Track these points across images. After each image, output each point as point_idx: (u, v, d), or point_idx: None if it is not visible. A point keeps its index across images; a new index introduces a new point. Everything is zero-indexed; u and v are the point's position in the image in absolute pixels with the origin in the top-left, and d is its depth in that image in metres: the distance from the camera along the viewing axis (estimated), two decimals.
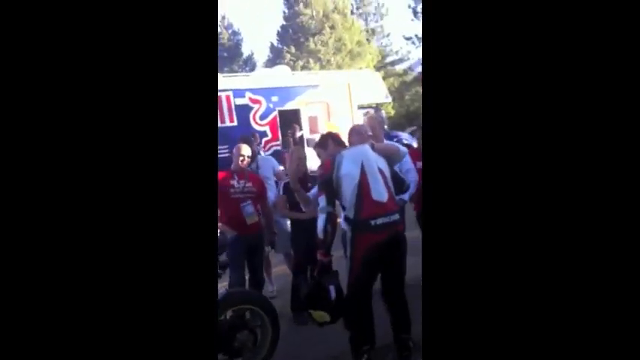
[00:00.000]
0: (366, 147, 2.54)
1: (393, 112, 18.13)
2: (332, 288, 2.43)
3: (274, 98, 9.54)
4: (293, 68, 17.40)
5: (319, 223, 2.42)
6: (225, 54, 24.37)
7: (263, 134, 8.73)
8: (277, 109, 9.56)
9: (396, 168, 2.70)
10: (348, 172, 2.36)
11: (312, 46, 20.89)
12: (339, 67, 19.77)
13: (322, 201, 2.43)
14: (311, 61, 20.40)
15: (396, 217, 2.37)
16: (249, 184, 3.31)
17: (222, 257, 2.77)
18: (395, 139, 9.89)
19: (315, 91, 10.06)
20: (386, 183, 2.40)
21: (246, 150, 3.36)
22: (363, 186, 2.34)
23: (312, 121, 10.07)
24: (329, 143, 2.68)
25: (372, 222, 2.31)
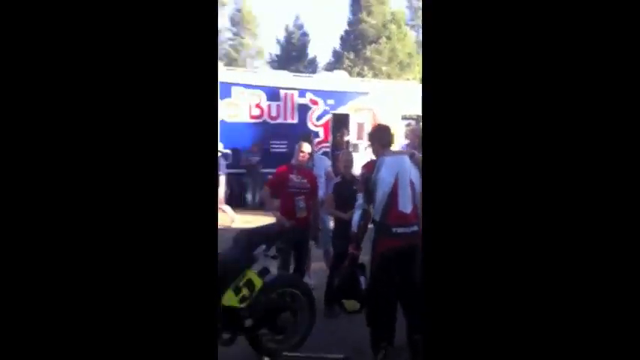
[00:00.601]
0: (405, 158, 2.56)
1: None
2: (362, 279, 2.52)
3: (330, 101, 9.50)
4: (350, 74, 17.34)
5: (354, 218, 2.50)
6: (294, 53, 24.37)
7: (316, 134, 8.82)
8: (331, 112, 9.58)
9: None
10: (383, 178, 2.43)
11: (368, 53, 20.61)
12: (388, 76, 19.45)
13: (360, 198, 2.52)
14: (365, 68, 20.18)
15: (415, 228, 2.41)
16: (304, 180, 3.34)
17: (278, 244, 2.93)
18: None
19: (365, 98, 9.92)
20: (413, 196, 2.44)
21: (307, 147, 3.44)
22: (393, 196, 2.41)
23: (360, 127, 9.99)
24: (375, 142, 2.68)
25: (394, 229, 2.40)
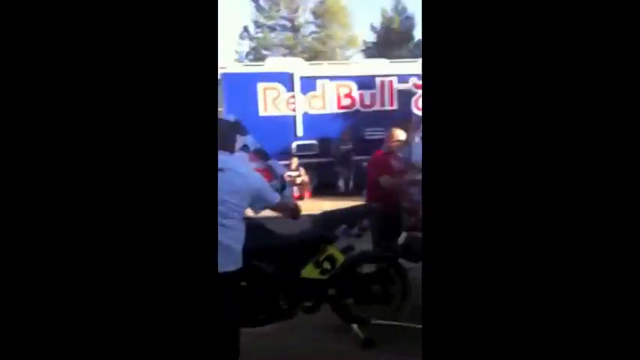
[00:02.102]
0: None
1: None
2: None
3: None
4: None
5: None
6: (395, 39, 24.44)
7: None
8: None
9: None
10: None
11: None
12: None
13: None
14: None
15: None
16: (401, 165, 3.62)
17: (365, 221, 3.18)
18: None
19: None
20: None
21: (400, 134, 3.64)
22: None
23: None
24: None
25: None
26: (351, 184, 9.04)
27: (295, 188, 8.00)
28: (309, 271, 2.84)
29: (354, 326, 2.96)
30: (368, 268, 3.07)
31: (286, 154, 8.68)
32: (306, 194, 8.38)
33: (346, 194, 8.53)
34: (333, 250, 2.91)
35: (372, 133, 9.09)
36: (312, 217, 3.10)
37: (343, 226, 2.97)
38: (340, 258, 2.91)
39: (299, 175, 8.51)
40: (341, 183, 9.03)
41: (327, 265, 2.87)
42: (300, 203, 2.64)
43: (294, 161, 8.64)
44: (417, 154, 4.09)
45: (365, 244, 3.37)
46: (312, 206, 4.59)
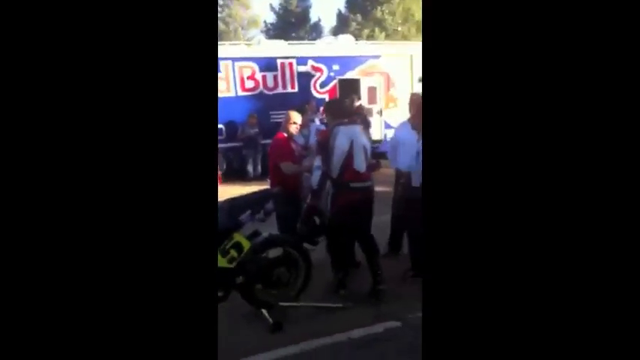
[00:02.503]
0: (357, 127, 3.28)
1: None
2: (316, 218, 3.29)
3: (335, 67, 9.68)
4: (358, 37, 17.17)
5: (313, 179, 3.24)
6: (293, 19, 24.44)
7: (321, 102, 8.98)
8: (337, 77, 9.72)
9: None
10: (340, 144, 3.10)
11: (378, 14, 20.43)
12: (404, 37, 19.26)
13: (318, 161, 3.24)
14: (377, 30, 20.02)
15: (369, 183, 3.22)
16: (299, 148, 3.75)
17: (269, 205, 3.18)
18: None
19: (377, 61, 10.06)
20: (366, 158, 3.18)
21: (297, 117, 3.70)
22: (348, 157, 3.10)
23: (371, 91, 10.13)
24: (331, 113, 3.40)
25: (351, 184, 3.13)
26: (259, 168, 8.96)
27: None
28: (217, 260, 2.77)
29: (263, 311, 2.97)
30: (273, 253, 3.09)
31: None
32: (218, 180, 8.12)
33: (255, 179, 8.44)
34: (239, 237, 2.90)
35: (277, 116, 9.05)
36: (219, 205, 3.02)
37: (248, 212, 2.95)
38: (246, 244, 2.90)
39: None
40: (250, 168, 8.89)
41: (233, 253, 2.85)
42: None
43: None
44: (314, 137, 4.25)
45: (270, 228, 3.38)
46: (222, 192, 4.47)
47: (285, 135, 3.69)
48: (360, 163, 3.12)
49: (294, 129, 3.67)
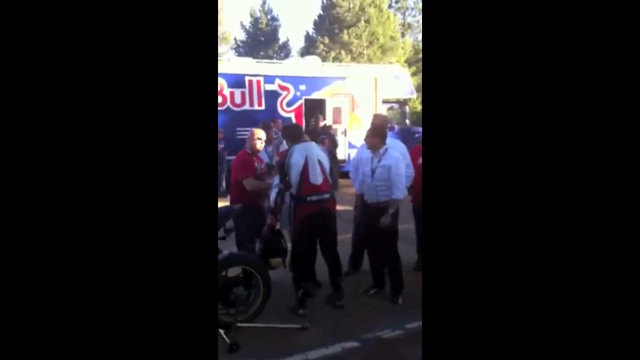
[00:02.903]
0: (312, 144, 3.47)
1: (419, 107, 18.09)
2: (282, 241, 3.34)
3: (302, 87, 9.79)
4: (325, 59, 17.50)
5: (271, 196, 3.35)
6: (262, 38, 24.58)
7: (287, 120, 9.02)
8: (304, 97, 9.83)
9: (394, 164, 3.30)
10: (295, 160, 3.24)
11: (345, 37, 20.90)
12: (369, 60, 19.75)
13: (276, 179, 3.39)
14: (343, 52, 20.44)
15: (327, 196, 3.30)
16: (262, 165, 3.72)
17: (229, 224, 3.17)
18: (416, 135, 9.93)
19: (343, 82, 10.25)
20: (323, 171, 3.29)
21: (261, 134, 3.71)
22: (304, 172, 3.21)
23: (336, 111, 10.30)
24: (286, 136, 3.58)
25: (308, 198, 3.22)
26: (223, 184, 8.81)
27: None
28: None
29: (221, 331, 2.90)
30: (232, 272, 3.06)
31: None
32: None
33: (220, 195, 8.29)
34: None
35: (243, 133, 9.00)
36: None
37: None
38: None
39: None
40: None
41: None
42: None
43: None
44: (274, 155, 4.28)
45: (231, 246, 3.34)
46: None
47: (249, 152, 3.69)
48: (316, 177, 3.24)
49: (258, 145, 3.68)
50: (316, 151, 3.37)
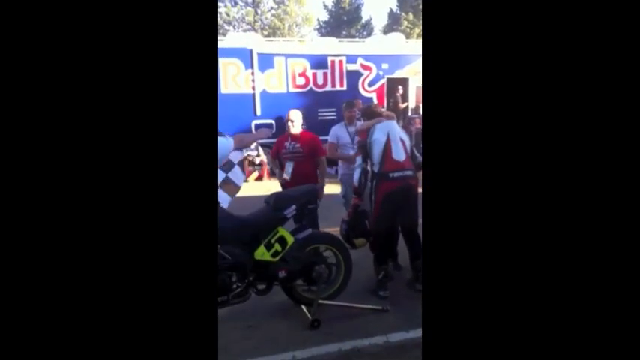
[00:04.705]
0: (393, 122, 3.39)
1: None
2: (366, 222, 3.29)
3: (385, 65, 9.55)
4: (409, 35, 16.82)
5: (355, 176, 3.28)
6: (345, 17, 24.31)
7: (369, 100, 8.87)
8: (386, 76, 9.57)
9: None
10: (377, 138, 3.21)
11: None
12: None
13: (359, 159, 3.28)
14: None
15: (410, 173, 3.21)
16: (297, 146, 3.69)
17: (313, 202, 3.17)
18: None
19: None
20: (405, 149, 3.25)
21: (294, 115, 3.72)
22: (387, 149, 3.19)
23: (420, 90, 9.94)
24: (369, 115, 3.50)
25: (391, 174, 3.17)
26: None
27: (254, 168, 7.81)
28: (261, 253, 2.81)
29: (303, 307, 2.96)
30: (316, 250, 3.09)
31: (247, 134, 8.41)
32: (265, 174, 8.22)
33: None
34: (283, 232, 2.90)
35: (324, 114, 9.04)
36: (264, 199, 3.04)
37: (292, 207, 2.95)
38: (290, 239, 2.90)
39: (258, 155, 8.22)
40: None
41: (277, 247, 2.86)
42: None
43: None
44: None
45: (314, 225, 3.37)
46: (267, 187, 4.54)
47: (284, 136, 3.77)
48: (399, 153, 3.20)
49: (290, 128, 3.72)
50: (397, 129, 3.33)
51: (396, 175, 3.16)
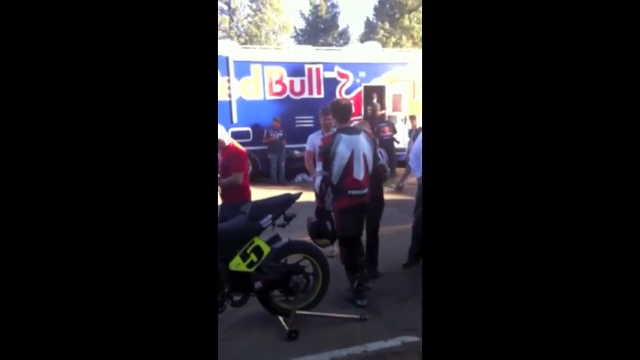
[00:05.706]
0: (360, 136, 3.29)
1: None
2: (328, 223, 3.27)
3: (362, 74, 9.62)
4: (385, 44, 17.07)
5: (316, 182, 3.26)
6: (322, 26, 24.48)
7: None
8: (363, 84, 9.65)
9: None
10: (341, 152, 3.18)
11: (406, 22, 20.25)
12: None
13: (319, 166, 3.28)
14: (404, 37, 19.84)
15: (366, 190, 3.30)
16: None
17: (289, 211, 3.09)
18: None
19: (403, 68, 9.94)
20: (365, 166, 3.27)
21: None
22: (349, 166, 3.20)
23: (396, 98, 10.04)
24: (335, 116, 3.40)
25: (349, 192, 3.23)
26: (283, 172, 8.94)
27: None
28: (236, 264, 2.75)
29: (280, 318, 2.91)
30: (292, 259, 3.04)
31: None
32: None
33: (280, 183, 8.41)
34: (259, 242, 2.85)
35: (302, 121, 9.02)
36: (240, 208, 2.99)
37: (269, 216, 2.89)
38: (266, 249, 2.85)
39: None
40: (273, 171, 8.87)
41: (253, 257, 2.81)
42: None
43: None
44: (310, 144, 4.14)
45: (290, 234, 3.32)
46: None
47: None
48: (359, 172, 3.24)
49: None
50: (363, 144, 3.25)
51: (353, 192, 3.22)
